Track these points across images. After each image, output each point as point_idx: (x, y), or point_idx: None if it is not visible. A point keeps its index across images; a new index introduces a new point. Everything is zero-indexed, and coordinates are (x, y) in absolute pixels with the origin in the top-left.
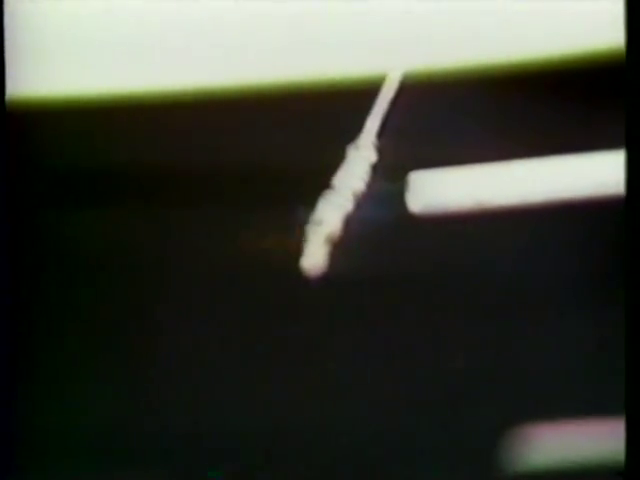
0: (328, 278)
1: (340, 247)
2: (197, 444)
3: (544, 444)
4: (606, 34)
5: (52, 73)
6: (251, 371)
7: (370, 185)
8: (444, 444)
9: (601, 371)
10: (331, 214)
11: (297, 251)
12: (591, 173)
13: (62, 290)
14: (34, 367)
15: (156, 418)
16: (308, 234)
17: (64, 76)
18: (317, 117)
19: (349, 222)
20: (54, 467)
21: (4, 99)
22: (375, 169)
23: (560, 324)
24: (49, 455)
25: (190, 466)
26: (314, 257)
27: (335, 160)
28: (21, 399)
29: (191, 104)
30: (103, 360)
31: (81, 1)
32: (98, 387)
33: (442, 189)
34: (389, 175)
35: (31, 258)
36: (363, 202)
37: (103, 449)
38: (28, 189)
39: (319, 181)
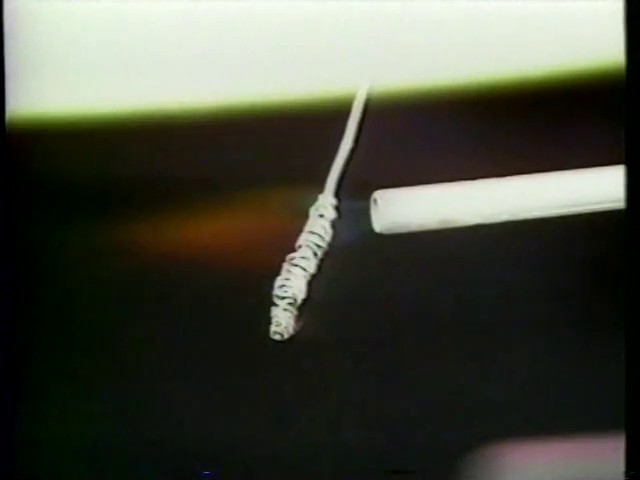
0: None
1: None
2: (188, 456)
3: (528, 463)
4: (605, 50)
5: (51, 92)
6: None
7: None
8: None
9: (595, 388)
10: (295, 279)
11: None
12: (590, 188)
13: (60, 304)
14: (33, 377)
15: (151, 430)
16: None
17: (63, 94)
18: (288, 137)
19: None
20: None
21: (4, 117)
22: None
23: (546, 342)
24: (48, 465)
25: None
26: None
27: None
28: (20, 414)
29: (176, 124)
30: (100, 371)
31: (78, 21)
32: (94, 398)
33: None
34: (355, 194)
35: (30, 274)
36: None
37: (99, 460)
38: (28, 205)
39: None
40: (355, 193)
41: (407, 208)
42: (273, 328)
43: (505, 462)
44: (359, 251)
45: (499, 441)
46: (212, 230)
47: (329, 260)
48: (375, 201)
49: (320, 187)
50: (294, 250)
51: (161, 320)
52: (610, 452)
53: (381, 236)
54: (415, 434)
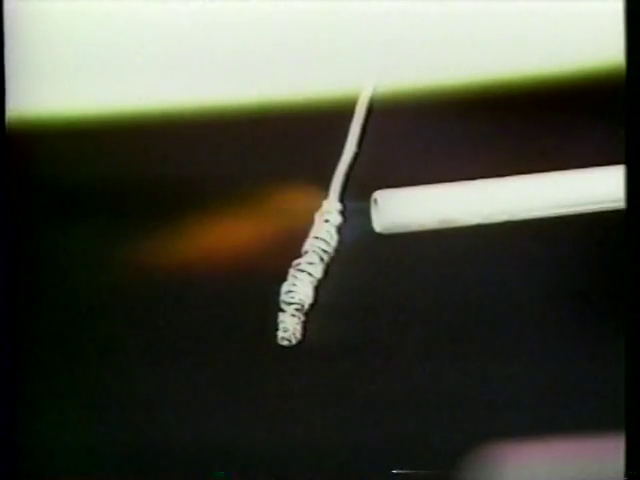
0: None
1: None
2: (190, 458)
3: (527, 462)
4: (605, 50)
5: (51, 92)
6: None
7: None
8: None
9: (595, 388)
10: (302, 284)
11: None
12: (590, 188)
13: (61, 305)
14: (33, 377)
15: (153, 431)
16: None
17: (63, 94)
18: (291, 139)
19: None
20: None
21: (4, 117)
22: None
23: (546, 341)
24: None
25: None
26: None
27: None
28: (20, 414)
29: (177, 125)
30: (102, 372)
31: (78, 21)
32: (95, 399)
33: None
34: (357, 194)
35: (30, 275)
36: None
37: (100, 460)
38: (28, 206)
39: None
40: (357, 194)
41: (407, 208)
42: (280, 334)
43: (505, 462)
44: (362, 252)
45: (499, 441)
46: (216, 236)
47: (333, 262)
48: (375, 201)
49: (325, 190)
50: (300, 256)
51: (165, 324)
52: (610, 452)
53: (382, 236)
54: (416, 434)
